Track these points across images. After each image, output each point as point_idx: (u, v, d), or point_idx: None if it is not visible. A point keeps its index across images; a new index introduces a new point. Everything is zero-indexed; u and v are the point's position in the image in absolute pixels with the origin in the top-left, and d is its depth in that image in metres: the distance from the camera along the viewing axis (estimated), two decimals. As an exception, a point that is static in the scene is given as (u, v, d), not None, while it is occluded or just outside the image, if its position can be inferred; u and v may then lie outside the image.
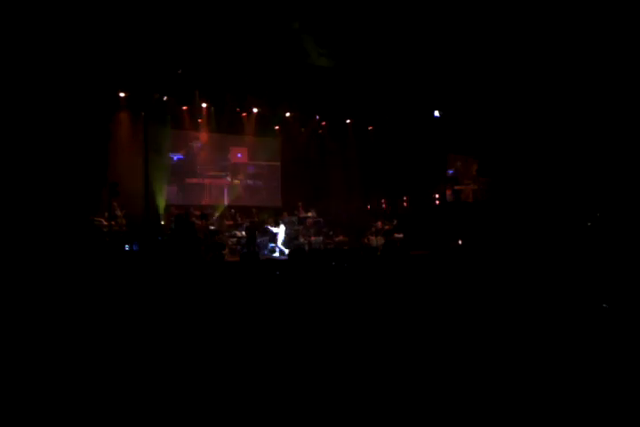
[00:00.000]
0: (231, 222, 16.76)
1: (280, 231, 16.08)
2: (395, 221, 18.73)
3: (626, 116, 16.65)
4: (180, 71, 13.24)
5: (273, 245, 16.06)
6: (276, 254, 15.72)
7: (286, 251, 15.84)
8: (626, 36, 15.27)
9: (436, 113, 18.86)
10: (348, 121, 19.37)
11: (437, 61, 16.82)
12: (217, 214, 16.88)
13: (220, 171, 18.32)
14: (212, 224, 15.77)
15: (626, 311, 6.02)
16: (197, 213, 15.58)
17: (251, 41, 14.14)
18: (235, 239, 16.07)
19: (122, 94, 14.97)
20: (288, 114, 18.09)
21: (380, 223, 18.59)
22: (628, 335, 5.24)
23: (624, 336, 5.21)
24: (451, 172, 21.81)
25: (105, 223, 13.22)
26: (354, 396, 3.97)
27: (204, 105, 16.84)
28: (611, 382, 4.08)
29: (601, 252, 11.30)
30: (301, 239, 17.07)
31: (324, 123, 19.29)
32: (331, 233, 18.05)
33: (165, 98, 15.83)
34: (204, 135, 17.78)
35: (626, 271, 8.35)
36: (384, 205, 20.13)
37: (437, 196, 21.03)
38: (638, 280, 7.30)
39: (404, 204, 20.53)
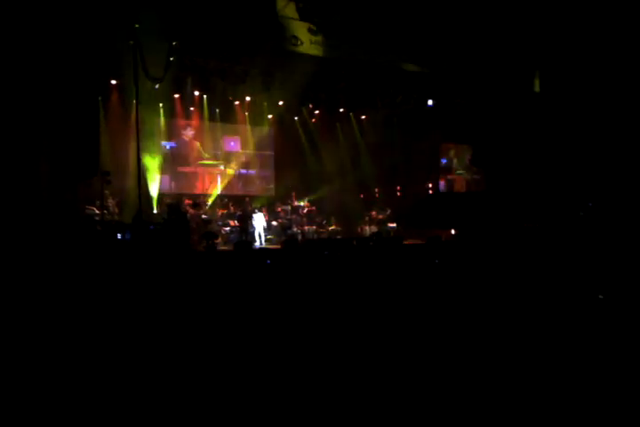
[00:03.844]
0: (224, 211, 16.70)
1: (258, 219, 15.99)
2: (388, 211, 18.73)
3: (619, 109, 16.67)
4: None
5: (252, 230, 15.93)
6: (257, 243, 15.65)
7: (264, 237, 15.90)
8: (619, 26, 15.27)
9: (430, 102, 18.79)
10: (341, 110, 19.26)
11: (430, 49, 16.73)
12: (209, 203, 16.79)
13: (212, 160, 18.21)
14: (205, 213, 15.70)
15: (620, 301, 6.04)
16: (190, 201, 15.51)
17: (244, 28, 13.99)
18: (227, 228, 16.02)
19: (113, 82, 14.80)
20: (281, 103, 17.95)
21: (373, 213, 18.60)
22: (621, 325, 5.25)
23: (618, 326, 5.23)
24: (444, 161, 21.81)
25: (97, 212, 13.13)
26: (347, 385, 3.96)
27: (196, 93, 16.69)
28: (608, 372, 4.08)
29: (594, 242, 11.35)
30: (294, 229, 17.04)
31: (317, 112, 19.17)
32: (324, 222, 18.03)
33: (157, 86, 15.66)
34: (196, 124, 17.66)
35: (619, 261, 8.38)
36: (377, 195, 20.13)
37: (431, 185, 21.04)
38: (632, 270, 7.32)
39: (398, 193, 20.52)
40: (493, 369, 4.21)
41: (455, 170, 21.91)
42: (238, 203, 17.00)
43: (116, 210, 13.93)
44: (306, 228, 17.20)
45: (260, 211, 16.33)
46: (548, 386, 3.83)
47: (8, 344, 4.85)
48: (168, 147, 17.27)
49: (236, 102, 17.76)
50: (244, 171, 18.86)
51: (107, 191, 13.38)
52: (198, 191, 17.61)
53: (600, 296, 6.13)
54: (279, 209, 17.44)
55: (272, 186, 19.47)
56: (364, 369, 4.25)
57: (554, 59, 17.00)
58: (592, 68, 16.66)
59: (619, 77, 16.39)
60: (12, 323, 5.56)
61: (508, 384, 3.90)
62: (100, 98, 14.65)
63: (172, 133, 17.36)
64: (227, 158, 18.49)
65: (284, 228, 16.93)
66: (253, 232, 15.85)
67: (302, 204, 17.99)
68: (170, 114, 16.85)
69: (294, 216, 17.47)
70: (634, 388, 3.76)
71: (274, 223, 16.92)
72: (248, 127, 18.60)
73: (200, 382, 4.05)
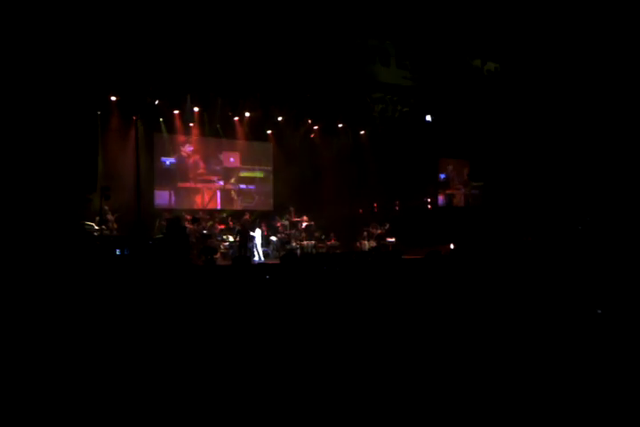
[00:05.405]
0: (223, 227, 16.71)
1: (256, 234, 16.10)
2: (387, 226, 18.75)
3: (616, 125, 16.77)
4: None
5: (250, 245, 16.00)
6: (255, 258, 15.70)
7: (262, 253, 16.01)
8: (611, 40, 15.39)
9: (428, 117, 18.91)
10: (340, 125, 19.37)
11: (428, 65, 16.88)
12: (209, 218, 16.82)
13: (212, 175, 18.29)
14: (204, 228, 15.72)
15: (619, 316, 6.03)
16: (189, 217, 15.54)
17: (242, 44, 14.13)
18: (227, 243, 16.03)
19: (113, 98, 14.90)
20: (280, 118, 18.06)
21: (372, 228, 18.61)
22: (619, 338, 5.25)
23: (616, 339, 5.22)
24: (442, 176, 21.90)
25: (96, 227, 13.13)
26: (344, 400, 3.95)
27: (195, 109, 16.80)
28: (604, 384, 4.08)
29: (592, 256, 11.35)
30: (293, 243, 17.05)
31: (316, 127, 19.27)
32: (323, 237, 18.03)
33: (157, 102, 15.76)
34: (195, 139, 17.75)
35: (617, 276, 8.38)
36: (376, 210, 20.15)
37: (429, 200, 21.08)
38: (630, 284, 7.32)
39: (396, 208, 20.55)
40: (490, 384, 4.21)
41: (453, 185, 22.00)
42: (237, 218, 17.04)
43: (115, 225, 13.94)
44: (304, 243, 17.21)
45: (259, 226, 16.38)
46: (544, 400, 3.83)
47: (5, 359, 4.84)
48: (168, 162, 17.34)
49: (236, 118, 17.87)
50: (243, 186, 18.93)
51: (106, 207, 13.41)
52: (198, 207, 17.66)
53: (598, 311, 6.13)
54: (278, 224, 17.46)
55: (271, 201, 19.51)
56: (363, 384, 4.24)
57: (552, 70, 17.13)
58: (591, 81, 16.79)
59: (616, 92, 16.50)
60: (10, 337, 5.55)
61: (502, 397, 3.89)
62: (99, 113, 14.76)
63: (171, 149, 17.45)
64: (226, 174, 18.57)
65: (282, 243, 16.95)
66: (252, 247, 15.89)
67: (300, 219, 18.02)
68: (169, 129, 16.96)
69: (293, 231, 17.49)
70: (629, 397, 3.76)
71: (272, 238, 16.93)
72: (247, 143, 18.71)
73: (197, 395, 4.04)
